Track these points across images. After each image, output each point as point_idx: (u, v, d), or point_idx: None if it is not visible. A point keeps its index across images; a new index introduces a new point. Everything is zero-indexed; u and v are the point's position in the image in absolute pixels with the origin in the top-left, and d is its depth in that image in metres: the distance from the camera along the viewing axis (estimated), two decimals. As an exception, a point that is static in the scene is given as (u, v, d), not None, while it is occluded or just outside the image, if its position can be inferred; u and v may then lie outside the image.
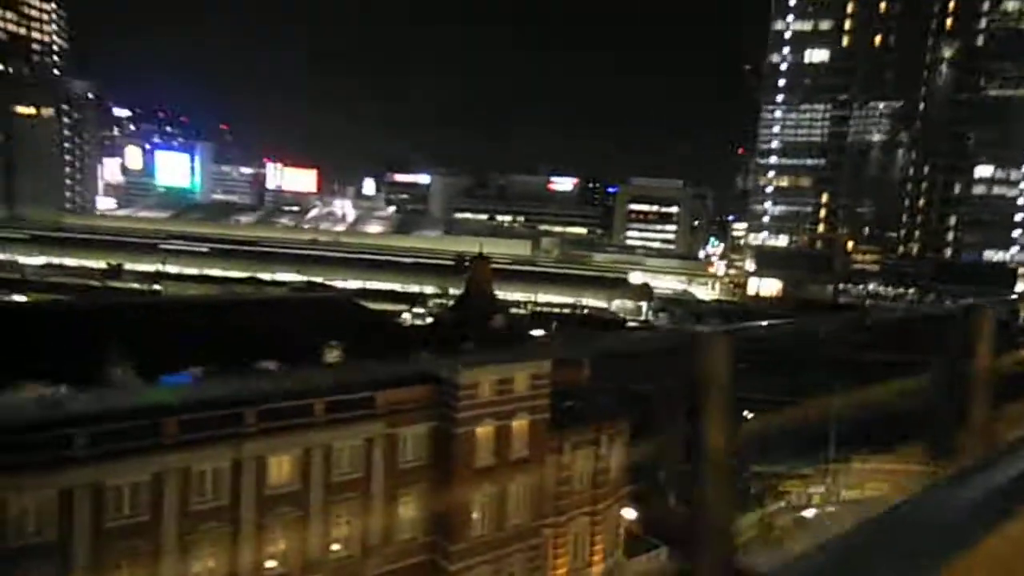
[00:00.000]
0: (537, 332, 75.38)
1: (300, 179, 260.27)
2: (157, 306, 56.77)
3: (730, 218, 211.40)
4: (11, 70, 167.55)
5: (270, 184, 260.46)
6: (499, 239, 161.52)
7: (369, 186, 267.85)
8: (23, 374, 32.26)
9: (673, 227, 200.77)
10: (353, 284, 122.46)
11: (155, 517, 29.37)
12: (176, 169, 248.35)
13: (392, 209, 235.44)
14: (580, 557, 39.82)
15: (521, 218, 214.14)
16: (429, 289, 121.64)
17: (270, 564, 32.18)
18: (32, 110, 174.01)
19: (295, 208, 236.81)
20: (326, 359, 34.83)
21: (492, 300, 46.57)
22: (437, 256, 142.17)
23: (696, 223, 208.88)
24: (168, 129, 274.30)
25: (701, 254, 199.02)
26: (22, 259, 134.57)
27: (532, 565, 38.00)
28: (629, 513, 42.52)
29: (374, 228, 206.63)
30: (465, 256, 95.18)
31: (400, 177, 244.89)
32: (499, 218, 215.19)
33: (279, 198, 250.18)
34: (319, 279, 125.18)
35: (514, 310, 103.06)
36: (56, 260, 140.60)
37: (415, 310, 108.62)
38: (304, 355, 36.32)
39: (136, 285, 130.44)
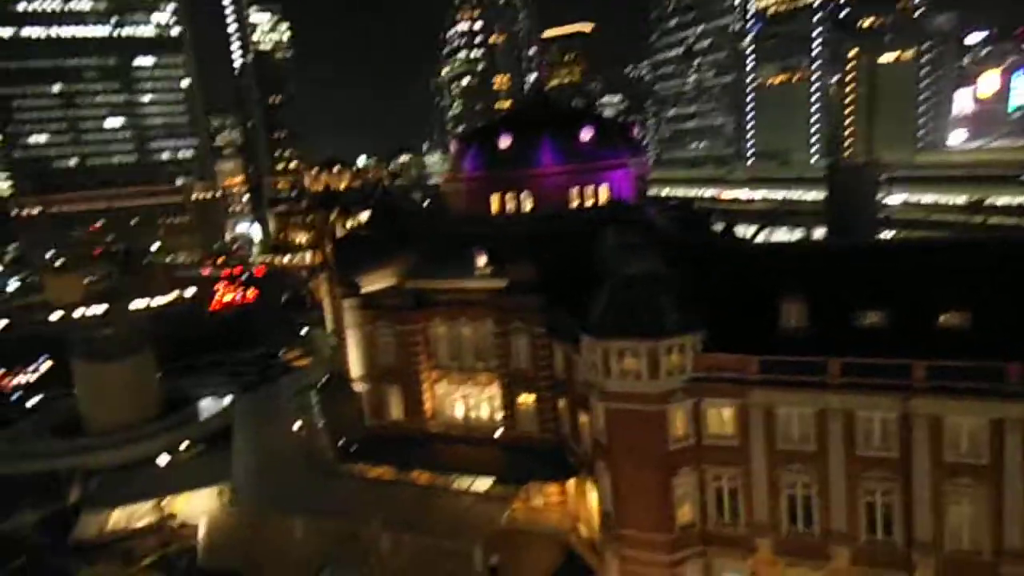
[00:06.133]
0: None
1: None
2: None
3: None
4: (876, 22, 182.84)
5: None
6: None
7: None
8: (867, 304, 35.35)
9: None
10: None
11: None
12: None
13: None
14: None
15: None
16: None
17: None
18: (893, 57, 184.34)
19: None
20: None
21: None
22: None
23: None
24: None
25: None
26: (889, 200, 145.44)
27: None
28: None
29: None
30: None
31: None
32: None
33: None
34: None
35: None
36: (913, 198, 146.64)
37: None
38: None
39: (996, 220, 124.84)
